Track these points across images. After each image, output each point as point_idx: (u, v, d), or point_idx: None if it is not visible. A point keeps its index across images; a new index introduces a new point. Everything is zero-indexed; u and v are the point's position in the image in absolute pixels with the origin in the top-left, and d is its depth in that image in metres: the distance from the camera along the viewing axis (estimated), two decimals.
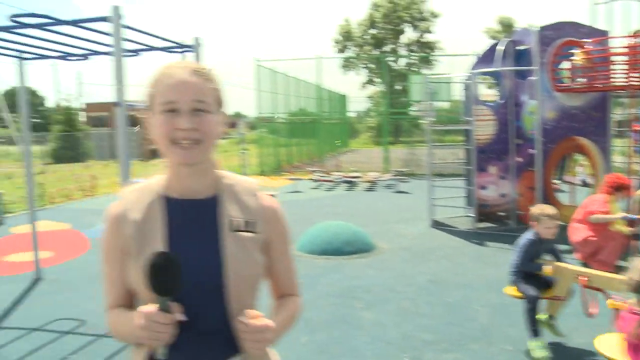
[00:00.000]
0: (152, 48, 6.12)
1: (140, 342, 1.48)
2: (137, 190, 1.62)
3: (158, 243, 1.50)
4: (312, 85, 26.55)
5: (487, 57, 9.94)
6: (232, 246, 1.53)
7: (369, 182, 17.35)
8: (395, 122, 30.55)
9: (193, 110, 1.48)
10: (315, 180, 18.10)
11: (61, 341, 5.05)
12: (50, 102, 61.86)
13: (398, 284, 6.59)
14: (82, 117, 41.18)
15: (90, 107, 42.76)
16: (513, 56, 9.72)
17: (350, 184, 17.47)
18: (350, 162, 23.74)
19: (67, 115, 36.06)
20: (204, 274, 1.49)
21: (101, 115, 41.44)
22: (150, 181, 1.64)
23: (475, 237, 9.17)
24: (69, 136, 32.61)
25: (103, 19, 4.55)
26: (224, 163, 24.44)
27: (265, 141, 23.69)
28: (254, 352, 1.47)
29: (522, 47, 9.64)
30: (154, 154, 32.55)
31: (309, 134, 27.45)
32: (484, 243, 8.72)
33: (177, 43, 5.98)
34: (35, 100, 76.95)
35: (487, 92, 12.19)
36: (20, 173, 22.07)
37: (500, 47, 9.72)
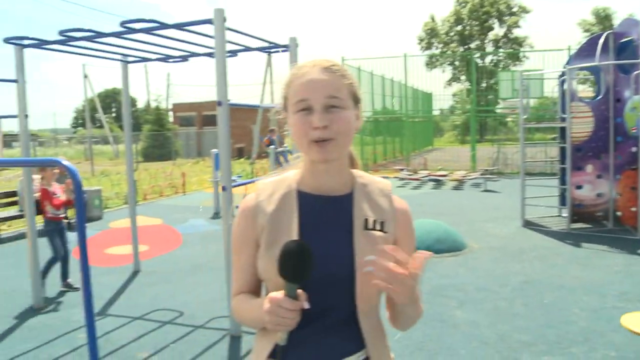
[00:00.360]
0: (248, 49, 6.27)
1: (263, 326, 1.53)
2: (272, 183, 1.67)
3: (290, 235, 1.54)
4: (397, 83, 26.40)
5: (584, 51, 9.55)
6: (363, 243, 1.54)
7: (456, 180, 17.08)
8: (480, 120, 29.89)
9: (326, 107, 1.49)
10: (402, 179, 18.00)
11: (162, 330, 5.28)
12: (141, 103, 64.40)
13: (491, 284, 6.46)
14: (170, 117, 42.67)
15: (177, 107, 44.21)
16: (615, 49, 9.29)
17: (437, 182, 17.27)
18: (436, 160, 23.44)
19: (157, 115, 37.57)
20: (334, 268, 1.52)
21: (188, 115, 42.77)
22: (285, 175, 1.68)
23: (570, 238, 8.85)
24: (158, 135, 33.91)
25: (207, 22, 4.70)
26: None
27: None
28: (398, 297, 1.39)
29: (625, 39, 9.20)
30: (239, 153, 33.38)
31: (394, 132, 27.33)
32: (579, 244, 8.40)
33: (273, 43, 6.09)
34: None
35: (583, 88, 11.69)
36: (114, 171, 23.34)
37: (600, 40, 9.31)
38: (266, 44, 6.17)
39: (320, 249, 1.50)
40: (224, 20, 4.71)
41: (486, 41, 48.22)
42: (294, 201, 1.60)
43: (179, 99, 53.39)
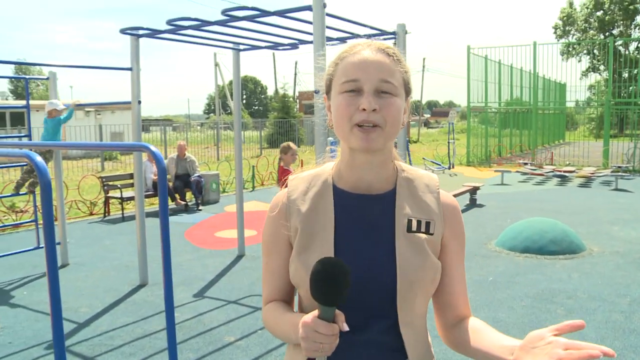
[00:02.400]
0: (354, 36, 6.16)
1: (296, 343, 1.41)
2: (306, 179, 1.52)
3: (326, 240, 1.41)
4: (527, 74, 25.21)
5: None
6: (406, 248, 1.39)
7: (583, 177, 16.01)
8: (620, 113, 27.82)
9: (377, 91, 1.34)
10: (524, 173, 17.19)
11: (253, 316, 5.35)
12: (270, 91, 66.39)
13: (608, 293, 5.92)
14: (296, 104, 43.57)
15: (303, 95, 44.96)
16: None
17: (563, 178, 16.26)
18: (565, 155, 22.15)
19: (283, 103, 38.44)
20: (374, 274, 1.37)
21: (313, 102, 43.43)
22: (321, 169, 1.54)
23: None
24: (284, 122, 34.69)
25: (307, 8, 4.64)
26: (432, 152, 24.39)
27: (475, 131, 23.03)
28: None
29: None
30: None
31: (522, 125, 26.16)
32: None
33: (380, 30, 5.94)
34: (257, 88, 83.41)
35: None
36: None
37: None
38: (372, 32, 6.03)
39: (358, 253, 1.38)
40: (324, 6, 4.63)
41: (631, 27, 44.74)
42: (330, 200, 1.45)
43: (305, 87, 54.32)
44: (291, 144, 7.37)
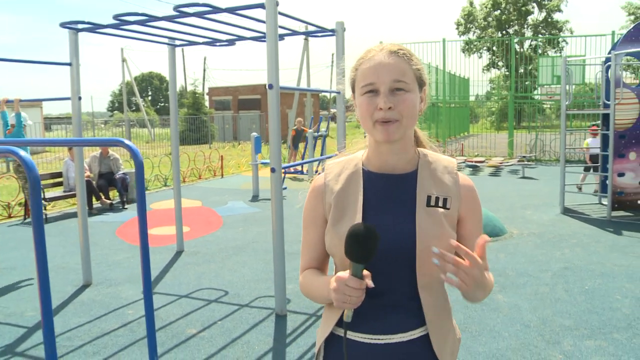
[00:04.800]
0: (295, 32, 6.33)
1: (329, 302, 1.62)
2: (340, 163, 1.76)
3: (355, 212, 1.63)
4: (434, 69, 26.20)
5: (631, 36, 9.38)
6: (425, 220, 1.60)
7: (493, 167, 16.95)
8: (517, 107, 29.48)
9: (391, 90, 1.57)
10: None
11: (208, 308, 5.42)
12: (178, 87, 65.09)
13: (532, 270, 6.47)
14: (206, 101, 43.00)
15: (213, 91, 44.48)
16: None
17: (474, 168, 17.16)
18: (473, 146, 23.27)
19: (193, 99, 37.90)
20: (397, 244, 1.58)
21: (224, 99, 43.05)
22: (353, 155, 1.77)
23: (611, 225, 8.77)
24: (195, 119, 34.23)
25: (260, 6, 4.77)
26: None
27: None
28: (462, 286, 1.42)
29: None
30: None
31: (430, 118, 27.17)
32: (621, 232, 8.32)
33: (320, 27, 6.13)
34: (163, 85, 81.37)
35: (625, 75, 11.46)
36: (151, 153, 23.64)
37: None
38: (313, 28, 6.21)
39: (383, 225, 1.58)
40: (277, 4, 4.78)
41: (525, 26, 47.37)
42: (359, 180, 1.68)
43: (214, 83, 53.71)
44: None
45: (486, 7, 47.79)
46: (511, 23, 47.15)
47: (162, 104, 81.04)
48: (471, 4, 48.74)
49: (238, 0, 5.12)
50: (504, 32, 45.95)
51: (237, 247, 7.85)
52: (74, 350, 4.53)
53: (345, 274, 1.46)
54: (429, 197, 1.64)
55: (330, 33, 6.18)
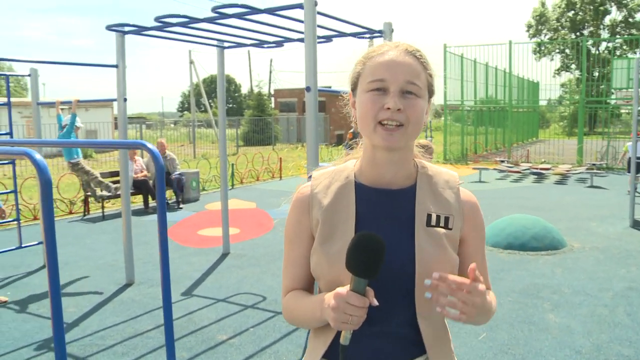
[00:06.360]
0: (342, 34, 6.18)
1: (318, 326, 1.46)
2: (329, 174, 1.57)
3: (346, 231, 1.44)
4: (501, 72, 25.51)
5: None
6: (425, 241, 1.43)
7: (559, 174, 16.27)
8: (591, 112, 28.31)
9: (402, 91, 1.39)
10: (501, 171, 17.40)
11: (243, 314, 5.34)
12: (245, 89, 66.21)
13: (591, 288, 6.05)
14: (272, 102, 43.39)
15: (278, 93, 44.81)
16: None
17: (539, 175, 16.52)
18: (539, 152, 22.48)
19: (258, 101, 38.30)
20: (394, 267, 1.39)
21: (289, 100, 43.32)
22: (343, 166, 1.58)
23: None
24: (259, 120, 34.57)
25: (298, 6, 4.65)
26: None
27: (451, 129, 23.24)
28: (462, 318, 1.29)
29: None
30: (339, 140, 33.50)
31: (496, 123, 26.48)
32: None
33: (367, 28, 5.97)
34: (231, 87, 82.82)
35: None
36: (214, 154, 24.01)
37: None
38: (360, 30, 6.06)
39: None
40: (315, 4, 4.64)
41: (601, 27, 45.53)
42: (352, 194, 1.49)
43: (280, 85, 54.23)
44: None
45: (559, 7, 46.19)
46: (586, 24, 45.38)
47: (230, 105, 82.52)
48: (543, 4, 47.24)
49: (281, 1, 5.03)
50: (577, 33, 44.26)
51: (283, 252, 7.74)
52: (104, 349, 4.54)
53: (344, 289, 1.28)
54: (429, 216, 1.46)
55: (378, 34, 6.02)
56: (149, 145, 3.32)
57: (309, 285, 1.59)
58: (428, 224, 1.45)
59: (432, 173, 1.54)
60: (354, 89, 1.50)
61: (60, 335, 2.58)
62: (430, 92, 1.48)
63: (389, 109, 1.37)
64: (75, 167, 9.70)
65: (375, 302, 1.27)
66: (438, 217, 1.46)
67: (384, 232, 1.42)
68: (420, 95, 1.41)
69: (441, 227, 1.46)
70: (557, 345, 4.56)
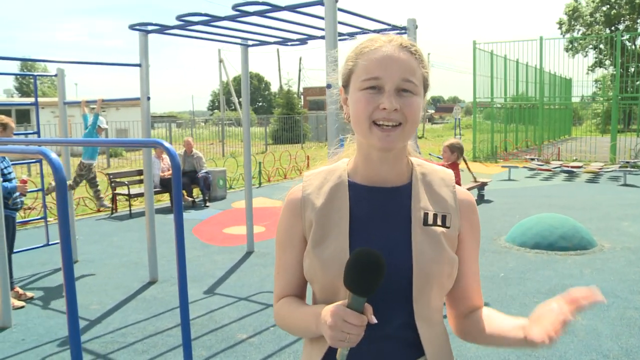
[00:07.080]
0: (365, 31, 6.12)
1: (313, 337, 1.41)
2: (321, 174, 1.51)
3: (340, 232, 1.39)
4: (532, 69, 25.10)
5: None
6: (422, 241, 1.37)
7: (591, 172, 15.93)
8: (627, 108, 27.72)
9: (398, 89, 1.32)
10: (531, 169, 17.12)
11: (265, 313, 5.32)
12: (274, 87, 66.41)
13: (621, 290, 5.87)
14: (301, 100, 43.45)
15: (307, 91, 44.79)
16: None
17: (570, 174, 16.19)
18: (571, 150, 22.06)
19: (287, 99, 38.37)
20: (390, 268, 1.30)
21: (319, 99, 43.29)
22: (336, 165, 1.52)
23: None
24: (289, 119, 34.63)
25: (319, 3, 4.61)
26: (437, 148, 24.44)
27: (481, 126, 22.95)
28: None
29: None
30: None
31: (528, 120, 26.08)
32: None
33: (390, 25, 5.90)
34: (261, 85, 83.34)
35: None
36: (243, 152, 24.18)
37: None
38: (383, 26, 5.99)
39: (374, 247, 1.31)
40: (336, 0, 4.59)
41: (637, 22, 44.51)
42: (345, 193, 1.43)
43: (309, 83, 54.22)
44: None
45: (593, 2, 45.28)
46: (622, 19, 44.38)
47: (260, 104, 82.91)
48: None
49: None
50: (612, 28, 43.34)
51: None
52: (125, 347, 4.56)
53: (342, 306, 1.22)
54: (426, 215, 1.40)
55: (402, 31, 5.94)
56: (166, 144, 3.31)
57: (301, 291, 1.54)
58: (425, 222, 1.39)
59: (426, 171, 1.48)
60: (345, 85, 1.43)
61: (76, 332, 2.59)
62: (425, 88, 1.41)
63: (385, 109, 1.30)
64: (85, 168, 9.69)
65: (374, 320, 1.22)
66: (435, 215, 1.41)
67: (380, 232, 1.39)
68: (416, 93, 1.34)
69: (439, 225, 1.40)
70: (583, 349, 4.44)
